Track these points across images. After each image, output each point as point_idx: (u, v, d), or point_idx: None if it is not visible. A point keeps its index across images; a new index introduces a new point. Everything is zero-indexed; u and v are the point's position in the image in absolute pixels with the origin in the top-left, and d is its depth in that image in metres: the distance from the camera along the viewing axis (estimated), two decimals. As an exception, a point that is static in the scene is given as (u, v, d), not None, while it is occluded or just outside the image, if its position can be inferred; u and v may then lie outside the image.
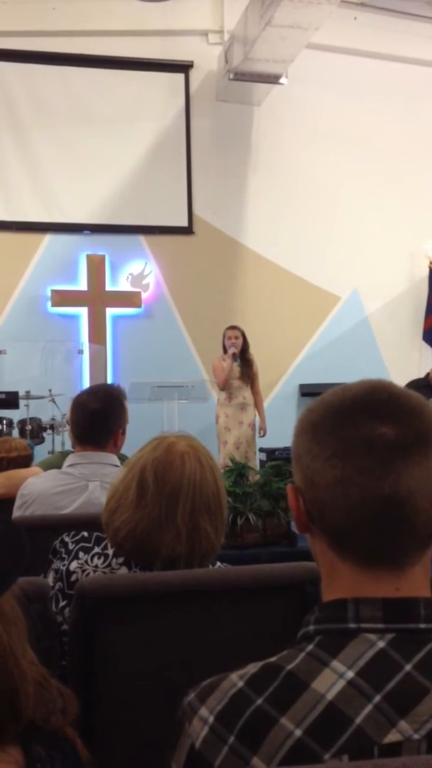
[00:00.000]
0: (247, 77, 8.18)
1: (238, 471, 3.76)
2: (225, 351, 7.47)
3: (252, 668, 0.91)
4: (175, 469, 1.79)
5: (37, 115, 8.50)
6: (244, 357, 7.42)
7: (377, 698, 0.83)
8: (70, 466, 2.76)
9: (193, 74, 8.97)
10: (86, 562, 1.86)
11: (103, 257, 8.72)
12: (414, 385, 6.96)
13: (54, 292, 8.53)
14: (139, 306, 8.76)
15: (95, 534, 1.90)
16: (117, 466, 2.70)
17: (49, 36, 8.41)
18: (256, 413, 7.50)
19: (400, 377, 7.10)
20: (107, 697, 1.65)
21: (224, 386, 7.30)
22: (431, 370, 7.70)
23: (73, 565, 1.87)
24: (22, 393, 7.39)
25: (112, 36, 8.57)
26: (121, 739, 1.65)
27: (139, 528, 1.76)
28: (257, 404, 7.52)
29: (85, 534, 1.91)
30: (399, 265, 9.35)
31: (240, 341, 7.40)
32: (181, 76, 8.95)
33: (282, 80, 8.23)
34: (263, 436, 7.47)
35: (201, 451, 1.87)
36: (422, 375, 7.87)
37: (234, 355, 7.27)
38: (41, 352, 8.47)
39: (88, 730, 1.37)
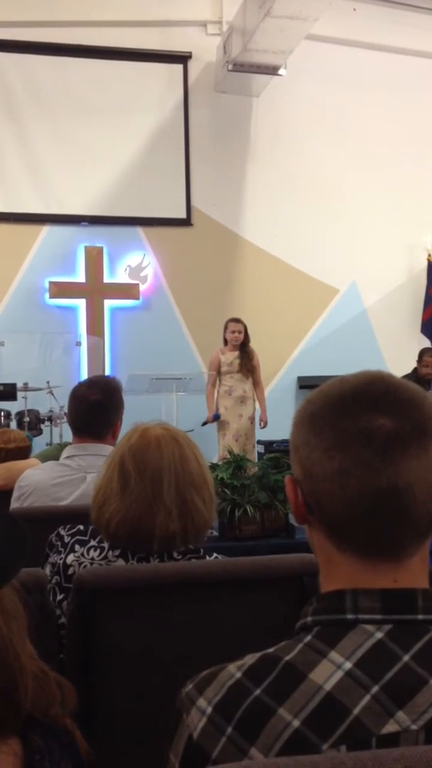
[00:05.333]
0: (246, 68, 8.16)
1: (236, 463, 3.76)
2: (225, 343, 7.47)
3: (250, 659, 0.91)
4: (153, 451, 1.82)
5: (35, 106, 8.48)
6: (244, 350, 7.42)
7: (375, 689, 0.84)
8: (68, 457, 2.76)
9: (192, 65, 8.94)
10: (82, 554, 1.86)
11: (101, 249, 8.70)
12: None
13: (52, 283, 8.53)
14: (137, 298, 8.75)
15: (91, 527, 1.91)
16: (114, 457, 2.70)
17: (48, 26, 8.38)
18: (256, 406, 7.51)
19: (398, 369, 7.10)
20: (106, 688, 1.66)
21: (210, 386, 7.42)
22: (417, 365, 7.70)
23: (70, 558, 1.87)
24: (20, 385, 7.39)
25: (111, 27, 8.54)
26: (119, 730, 1.65)
27: (129, 514, 1.78)
28: (258, 396, 7.52)
29: (81, 527, 1.92)
30: (398, 258, 9.34)
31: (242, 336, 7.40)
32: (179, 67, 8.93)
33: (281, 71, 8.21)
34: (264, 427, 7.47)
35: (177, 432, 1.90)
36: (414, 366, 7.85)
37: (216, 416, 7.32)
38: (39, 343, 8.46)
39: (87, 722, 1.38)
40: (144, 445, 1.83)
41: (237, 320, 7.48)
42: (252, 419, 7.42)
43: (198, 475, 1.84)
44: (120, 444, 1.89)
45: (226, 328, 7.47)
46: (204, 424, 7.30)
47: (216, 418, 7.30)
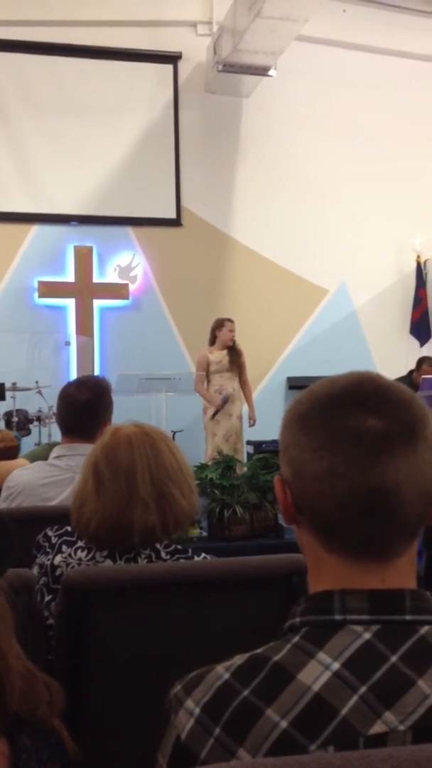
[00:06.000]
0: (236, 69, 8.16)
1: (225, 463, 3.76)
2: (212, 342, 7.45)
3: (238, 660, 0.91)
4: (124, 449, 1.84)
5: (24, 105, 8.46)
6: (232, 348, 7.42)
7: (363, 689, 0.84)
8: (57, 457, 2.76)
9: (182, 65, 8.94)
10: (70, 555, 1.86)
11: (90, 249, 8.69)
12: None
13: (41, 283, 8.50)
14: (126, 298, 8.74)
15: None
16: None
17: (38, 26, 8.35)
18: (243, 406, 7.50)
19: (388, 370, 7.02)
20: (94, 688, 1.65)
21: (198, 389, 7.32)
22: (414, 369, 7.77)
23: (57, 559, 1.87)
24: (8, 385, 7.36)
25: (101, 26, 8.53)
26: (108, 731, 1.65)
27: (107, 512, 1.79)
28: (246, 394, 7.52)
29: (68, 528, 1.92)
30: (387, 259, 9.37)
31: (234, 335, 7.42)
32: (169, 67, 8.92)
33: (271, 72, 8.22)
34: (253, 425, 7.47)
35: (150, 428, 1.92)
36: (409, 369, 7.92)
37: (225, 399, 7.17)
38: (28, 343, 8.44)
39: (76, 722, 1.37)
40: (115, 443, 1.85)
41: (232, 320, 7.48)
42: (240, 418, 7.42)
43: (173, 467, 1.85)
44: (94, 447, 1.92)
45: (221, 326, 7.42)
46: (215, 413, 7.20)
47: (225, 400, 7.17)
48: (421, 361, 7.86)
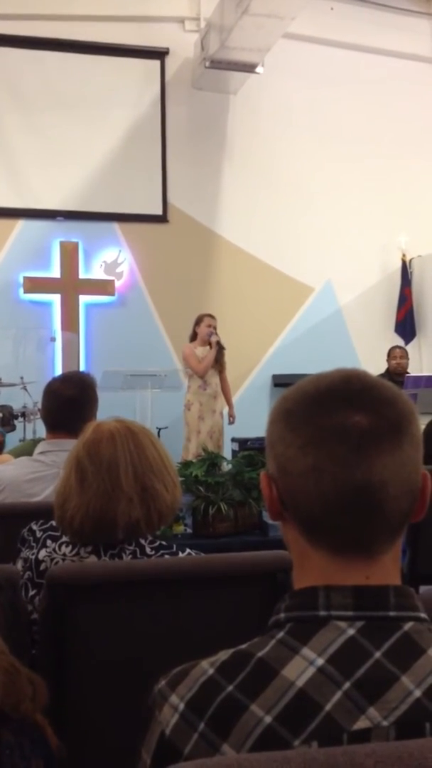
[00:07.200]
0: (224, 65, 8.16)
1: (210, 460, 3.76)
2: (194, 338, 7.44)
3: (223, 655, 0.91)
4: (106, 443, 1.84)
5: (10, 99, 8.41)
6: (219, 344, 7.40)
7: (347, 685, 0.84)
8: (42, 453, 2.75)
9: (169, 61, 8.92)
10: (54, 550, 1.86)
11: (76, 244, 8.66)
12: None
13: (26, 278, 8.46)
14: (112, 294, 8.72)
15: None
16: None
17: (25, 20, 8.30)
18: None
19: (372, 368, 7.14)
20: (78, 684, 1.65)
21: (204, 374, 7.27)
22: (387, 362, 7.88)
23: (42, 553, 1.87)
24: (-7, 381, 7.34)
25: (88, 21, 8.50)
26: (91, 726, 1.65)
27: (91, 507, 1.79)
28: (225, 391, 7.51)
29: (53, 522, 1.91)
30: (372, 258, 9.39)
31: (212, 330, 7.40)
32: (156, 63, 8.90)
33: (258, 69, 8.22)
34: (233, 423, 7.47)
35: (131, 423, 1.92)
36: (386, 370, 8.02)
37: (218, 343, 7.26)
38: (13, 339, 8.40)
39: (59, 717, 1.37)
40: (97, 439, 1.85)
41: (213, 316, 7.48)
42: (222, 414, 7.43)
43: (156, 461, 1.86)
44: (76, 443, 1.91)
45: (200, 322, 7.42)
46: (216, 356, 7.25)
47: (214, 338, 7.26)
48: (390, 349, 8.11)
